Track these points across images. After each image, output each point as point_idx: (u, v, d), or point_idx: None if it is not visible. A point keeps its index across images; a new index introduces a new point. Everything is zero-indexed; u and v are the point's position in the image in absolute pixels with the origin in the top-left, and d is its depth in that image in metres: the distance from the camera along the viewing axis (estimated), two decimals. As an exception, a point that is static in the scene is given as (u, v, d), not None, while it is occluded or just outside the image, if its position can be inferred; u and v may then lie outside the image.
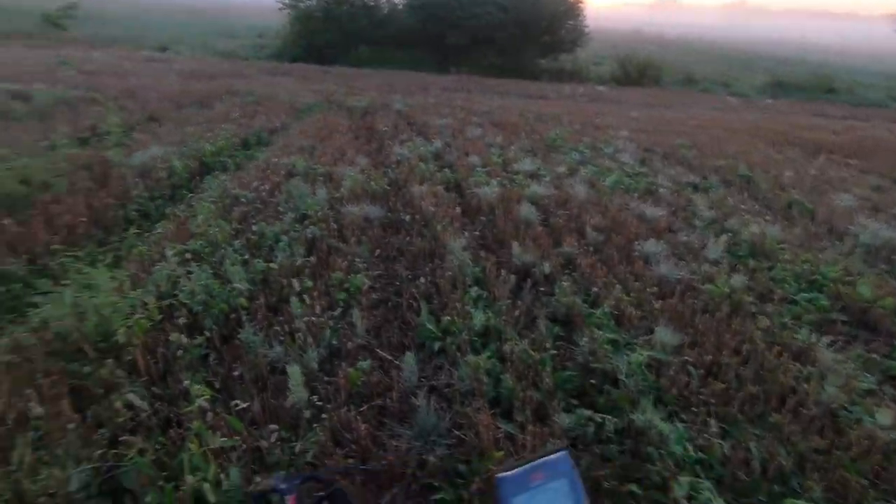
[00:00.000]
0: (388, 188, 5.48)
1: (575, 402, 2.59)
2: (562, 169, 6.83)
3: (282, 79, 15.20)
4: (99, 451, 1.88)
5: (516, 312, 3.25)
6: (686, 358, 2.84)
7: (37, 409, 1.98)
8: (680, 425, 2.35)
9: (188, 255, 3.30)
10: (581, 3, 23.13)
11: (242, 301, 2.94)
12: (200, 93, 10.73)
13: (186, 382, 2.21)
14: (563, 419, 2.37)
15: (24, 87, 9.21)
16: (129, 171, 5.05)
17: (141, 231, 4.02)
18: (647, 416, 2.37)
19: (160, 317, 2.66)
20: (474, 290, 3.40)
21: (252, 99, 10.50)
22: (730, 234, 4.84)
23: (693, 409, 2.52)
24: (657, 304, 3.43)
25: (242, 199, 4.58)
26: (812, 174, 7.45)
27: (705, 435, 2.31)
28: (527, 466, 0.68)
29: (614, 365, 2.78)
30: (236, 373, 2.38)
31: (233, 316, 2.86)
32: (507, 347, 2.85)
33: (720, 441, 2.29)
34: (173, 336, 2.51)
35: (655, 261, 4.13)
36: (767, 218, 5.45)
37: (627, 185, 6.43)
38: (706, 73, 23.40)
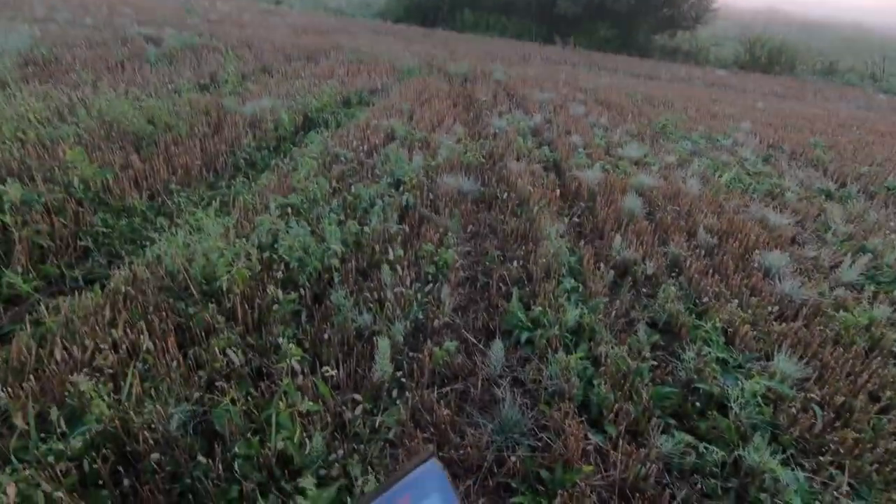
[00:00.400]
0: (484, 161, 5.30)
1: (673, 422, 2.35)
2: (671, 158, 6.26)
3: (385, 38, 15.27)
4: (197, 394, 1.95)
5: (613, 313, 3.00)
6: (811, 395, 2.47)
7: (147, 343, 2.09)
8: (801, 474, 2.04)
9: (288, 210, 3.36)
10: (711, -26, 20.91)
11: (336, 262, 2.95)
12: (309, 47, 11.02)
13: (280, 339, 2.24)
14: (661, 441, 2.15)
15: (157, 31, 9.94)
16: (241, 119, 5.26)
17: (247, 179, 4.18)
18: (760, 455, 2.08)
19: (259, 268, 2.72)
20: (569, 282, 3.19)
21: (356, 57, 10.62)
22: (870, 254, 4.18)
23: (817, 456, 2.19)
24: (777, 327, 3.02)
25: (342, 158, 4.62)
26: (982, 195, 6.25)
27: (833, 491, 1.99)
28: (393, 488, 0.58)
29: (723, 388, 2.48)
30: (325, 335, 2.38)
31: (326, 276, 2.88)
32: (601, 350, 2.63)
33: (850, 501, 1.97)
34: (270, 289, 2.56)
35: (777, 276, 3.65)
36: (921, 242, 4.64)
37: (747, 184, 5.78)
38: (852, 63, 20.44)
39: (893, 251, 4.28)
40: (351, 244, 3.26)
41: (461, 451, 2.06)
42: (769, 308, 3.21)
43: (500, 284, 3.23)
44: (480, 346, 2.71)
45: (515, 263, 3.44)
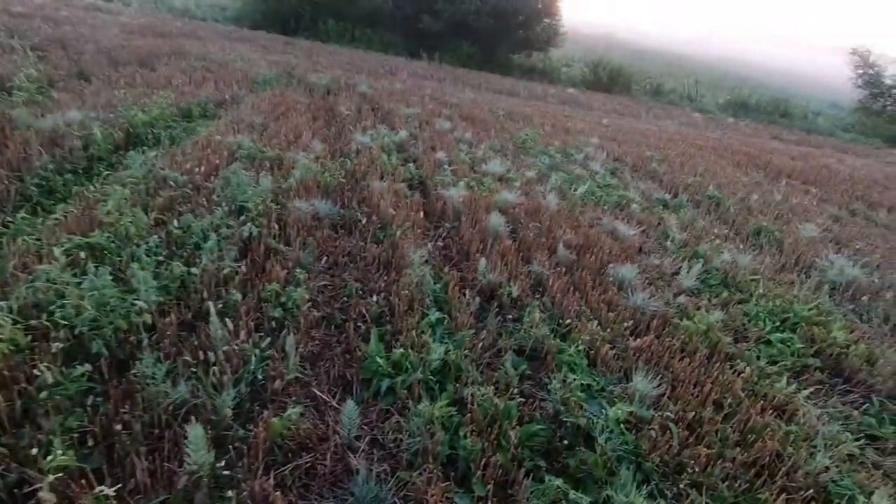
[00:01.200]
0: (345, 181, 4.94)
1: (543, 464, 2.21)
2: (531, 173, 6.47)
3: (239, 45, 14.09)
4: None
5: (480, 345, 2.84)
6: (667, 413, 2.52)
7: None
8: (664, 506, 2.01)
9: (83, 254, 2.67)
10: (558, 2, 22.86)
11: (147, 318, 2.37)
12: (144, 51, 9.67)
13: (51, 438, 1.65)
14: (531, 490, 1.99)
15: (-73, 22, 7.95)
16: (36, 136, 4.26)
17: (34, 214, 3.33)
18: (628, 491, 2.02)
19: (28, 339, 2.06)
20: (434, 314, 2.97)
21: (202, 64, 9.55)
22: (702, 260, 4.62)
23: (677, 480, 2.19)
24: (633, 343, 3.11)
25: (171, 183, 3.92)
26: (776, 200, 7.44)
27: (693, 521, 1.98)
28: None
29: (589, 418, 2.42)
30: (118, 426, 1.84)
31: (132, 339, 2.29)
32: (467, 392, 2.43)
33: (709, 528, 1.97)
34: (42, 368, 1.93)
35: (629, 288, 3.82)
36: (739, 245, 5.29)
37: (598, 196, 6.15)
38: (674, 85, 23.79)
39: (719, 255, 4.79)
40: (173, 291, 2.69)
41: (305, 552, 1.68)
42: (625, 324, 3.30)
43: (360, 323, 2.91)
44: (334, 403, 2.35)
45: (376, 297, 3.14)
